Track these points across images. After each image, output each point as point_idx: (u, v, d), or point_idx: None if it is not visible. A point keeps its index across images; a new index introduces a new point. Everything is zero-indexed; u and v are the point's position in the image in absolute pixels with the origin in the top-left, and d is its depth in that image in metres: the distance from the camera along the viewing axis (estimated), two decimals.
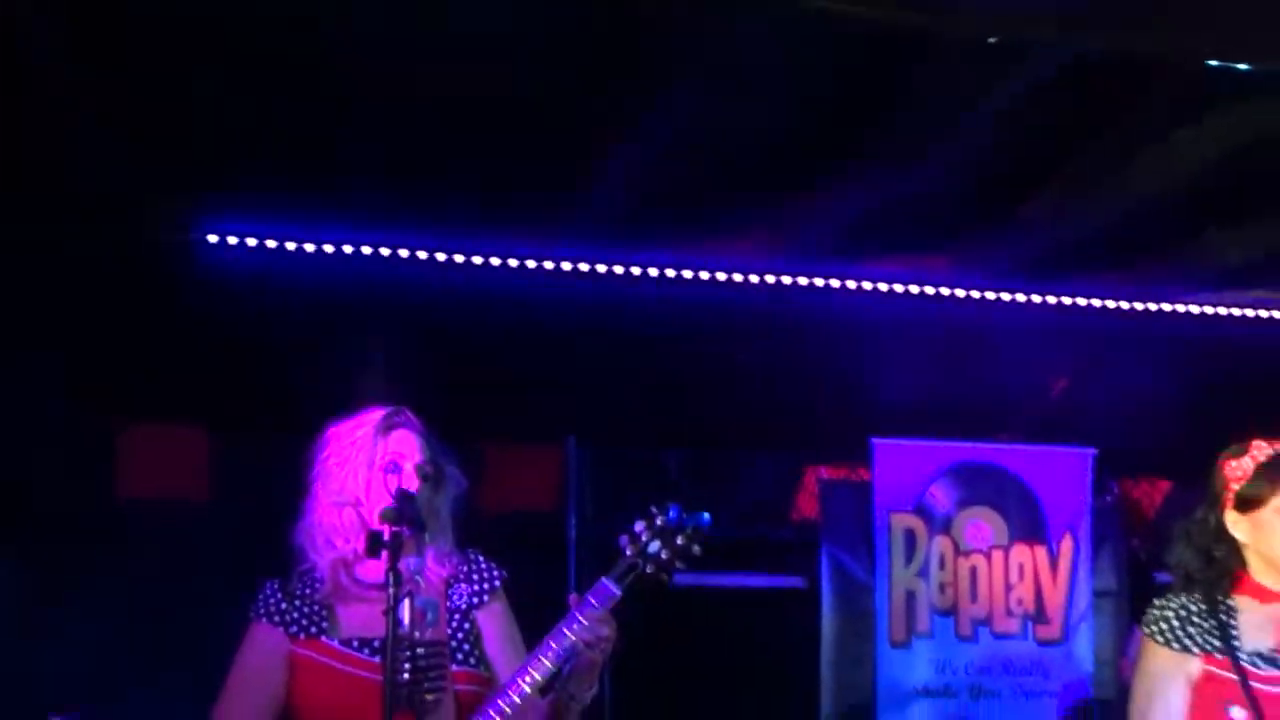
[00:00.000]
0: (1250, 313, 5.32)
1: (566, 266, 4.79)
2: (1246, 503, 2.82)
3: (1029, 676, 5.64)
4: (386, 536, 2.65)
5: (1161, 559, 3.03)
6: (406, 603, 2.61)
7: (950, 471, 5.70)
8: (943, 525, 5.67)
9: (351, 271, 4.79)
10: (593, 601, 2.76)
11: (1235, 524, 2.84)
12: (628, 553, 2.78)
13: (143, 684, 4.44)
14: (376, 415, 2.94)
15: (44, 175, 4.29)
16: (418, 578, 2.69)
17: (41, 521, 5.07)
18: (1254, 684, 2.72)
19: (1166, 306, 5.25)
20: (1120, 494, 6.07)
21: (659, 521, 2.80)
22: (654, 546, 2.77)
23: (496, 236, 4.77)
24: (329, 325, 5.13)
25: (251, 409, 5.25)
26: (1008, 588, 5.69)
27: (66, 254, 4.51)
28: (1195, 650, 2.80)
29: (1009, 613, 5.67)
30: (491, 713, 2.77)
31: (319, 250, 4.59)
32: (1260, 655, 2.76)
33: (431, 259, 4.67)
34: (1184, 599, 2.85)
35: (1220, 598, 2.83)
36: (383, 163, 4.29)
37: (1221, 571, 2.85)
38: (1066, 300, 5.17)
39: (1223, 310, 5.30)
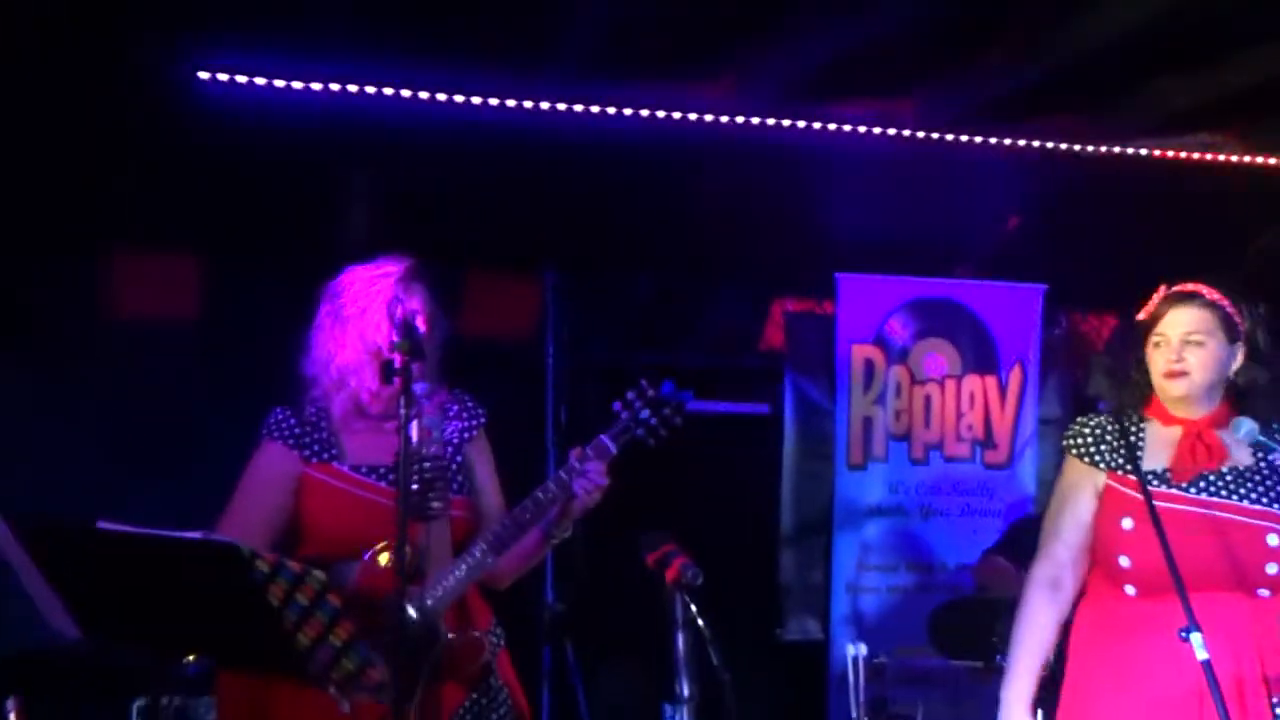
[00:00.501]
0: (1195, 155, 5.49)
1: (545, 105, 4.92)
2: (1142, 335, 3.12)
3: (976, 497, 5.97)
4: (397, 363, 2.89)
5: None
6: (415, 422, 2.86)
7: (908, 305, 5.94)
8: (900, 356, 5.94)
9: (337, 108, 4.86)
10: (591, 455, 3.07)
11: (1145, 356, 3.14)
12: (623, 417, 3.10)
13: (136, 494, 4.65)
14: (394, 269, 3.15)
15: (40, 11, 4.40)
16: (424, 401, 2.95)
17: (37, 338, 5.30)
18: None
19: (1116, 149, 5.40)
20: (1069, 327, 6.32)
21: (650, 393, 3.11)
22: (645, 414, 3.09)
23: (476, 76, 4.88)
24: (315, 158, 5.19)
25: (240, 235, 5.43)
26: (959, 415, 5.98)
27: (65, 89, 4.59)
28: (1103, 466, 3.10)
29: (959, 438, 5.98)
30: (490, 535, 3.06)
31: (306, 88, 4.71)
32: (1155, 474, 3.06)
33: (415, 97, 4.79)
34: (1102, 419, 3.14)
35: (1133, 418, 3.13)
36: (367, 4, 4.43)
37: (1136, 397, 3.15)
38: (1021, 142, 5.32)
39: (1170, 153, 5.47)
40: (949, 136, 5.26)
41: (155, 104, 4.70)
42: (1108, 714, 3.01)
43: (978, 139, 5.29)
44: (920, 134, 5.25)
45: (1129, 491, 3.04)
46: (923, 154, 5.35)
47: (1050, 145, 5.33)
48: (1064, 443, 3.19)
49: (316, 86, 4.68)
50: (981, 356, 6.00)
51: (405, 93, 4.77)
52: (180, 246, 5.51)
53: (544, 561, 5.49)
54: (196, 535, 2.50)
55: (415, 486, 2.87)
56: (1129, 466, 3.05)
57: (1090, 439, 3.13)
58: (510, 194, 5.27)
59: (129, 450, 5.09)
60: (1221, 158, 5.51)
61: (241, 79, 4.64)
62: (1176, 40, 4.64)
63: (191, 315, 5.49)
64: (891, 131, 5.22)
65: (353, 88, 4.73)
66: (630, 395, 3.11)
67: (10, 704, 2.73)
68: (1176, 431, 3.10)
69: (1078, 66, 4.76)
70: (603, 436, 3.10)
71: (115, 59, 4.51)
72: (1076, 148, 5.37)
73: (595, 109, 4.93)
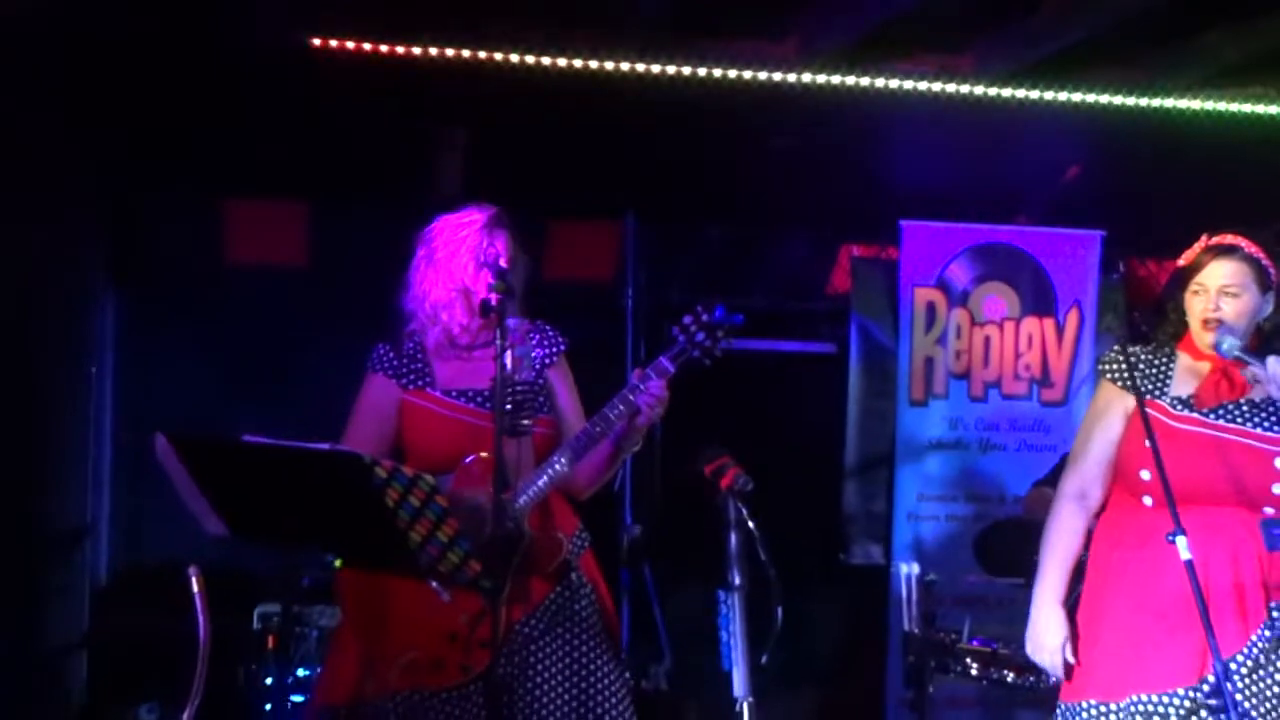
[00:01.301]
0: (1248, 107, 5.65)
1: (625, 66, 5.22)
2: (1181, 281, 3.42)
3: (1032, 433, 6.20)
4: (494, 302, 3.27)
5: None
6: (509, 351, 3.22)
7: (969, 251, 6.18)
8: (961, 298, 6.19)
9: (432, 69, 5.13)
10: (652, 374, 3.40)
11: (1182, 299, 3.43)
12: (680, 339, 3.39)
13: (250, 417, 5.11)
14: (480, 216, 3.51)
15: None
16: (515, 333, 3.29)
17: (169, 280, 5.75)
18: (1170, 421, 3.32)
19: (1170, 102, 5.56)
20: (1127, 272, 6.53)
21: (705, 317, 3.40)
22: (700, 336, 3.38)
23: (561, 37, 5.18)
24: (413, 115, 5.60)
25: (343, 186, 5.84)
26: (1017, 355, 6.21)
27: (191, 54, 4.97)
28: (1133, 391, 3.38)
29: (1017, 377, 6.21)
30: (568, 448, 3.44)
31: (408, 51, 5.07)
32: (1180, 399, 3.36)
33: (508, 59, 5.13)
34: (1138, 347, 3.42)
35: (1166, 351, 3.42)
36: None
37: (1171, 332, 3.45)
38: (1077, 96, 5.50)
39: (1223, 105, 5.63)
40: (1007, 91, 5.46)
41: (273, 67, 5.06)
42: (1122, 611, 3.33)
43: (1034, 94, 5.47)
44: (980, 89, 5.45)
45: (1155, 414, 3.33)
46: (983, 107, 5.52)
47: (1106, 99, 5.49)
48: (1099, 368, 3.45)
49: (417, 51, 5.04)
50: (1040, 299, 6.22)
51: (498, 55, 5.10)
52: (291, 196, 5.95)
53: (623, 489, 5.92)
54: (325, 446, 2.89)
55: (509, 407, 3.25)
56: (1146, 389, 3.33)
57: (1124, 366, 3.39)
58: (593, 148, 5.56)
59: (248, 378, 5.57)
60: (1272, 109, 5.65)
61: (350, 44, 4.99)
62: None
63: (301, 258, 5.94)
64: (952, 87, 5.43)
65: (450, 51, 5.07)
66: (686, 320, 3.40)
67: (193, 570, 3.16)
68: (1205, 366, 3.38)
69: (1131, 22, 4.92)
70: (662, 358, 3.41)
71: (237, 27, 4.90)
72: (1132, 101, 5.52)
73: (671, 68, 5.20)
